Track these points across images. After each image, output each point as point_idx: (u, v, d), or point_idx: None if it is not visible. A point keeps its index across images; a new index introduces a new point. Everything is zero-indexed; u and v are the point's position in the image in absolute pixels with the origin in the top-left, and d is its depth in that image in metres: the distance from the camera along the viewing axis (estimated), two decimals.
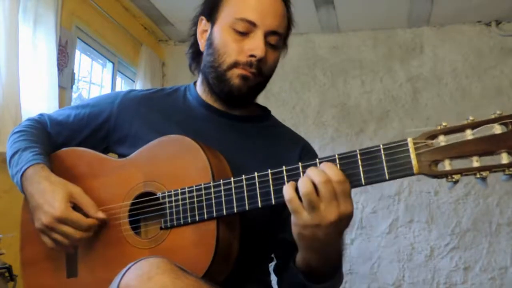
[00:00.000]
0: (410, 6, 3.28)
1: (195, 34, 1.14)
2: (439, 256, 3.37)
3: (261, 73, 1.04)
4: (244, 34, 1.02)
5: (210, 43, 1.07)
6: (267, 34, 1.02)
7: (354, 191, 0.80)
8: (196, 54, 1.15)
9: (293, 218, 0.80)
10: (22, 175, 1.00)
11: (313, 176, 0.77)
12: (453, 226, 3.38)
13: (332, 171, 0.77)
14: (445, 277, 3.33)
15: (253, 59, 1.01)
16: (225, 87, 1.04)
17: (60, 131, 1.15)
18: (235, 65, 1.02)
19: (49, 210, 0.94)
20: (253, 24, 1.01)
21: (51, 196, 0.95)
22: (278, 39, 1.05)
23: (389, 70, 3.64)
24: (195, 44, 1.14)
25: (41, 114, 1.19)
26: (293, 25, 1.13)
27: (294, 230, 0.81)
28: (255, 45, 1.00)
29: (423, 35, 3.62)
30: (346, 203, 0.78)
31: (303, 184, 0.77)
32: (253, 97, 1.11)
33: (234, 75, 1.03)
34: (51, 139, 1.13)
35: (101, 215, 0.97)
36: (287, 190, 0.79)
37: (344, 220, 0.79)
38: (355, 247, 3.48)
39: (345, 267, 2.93)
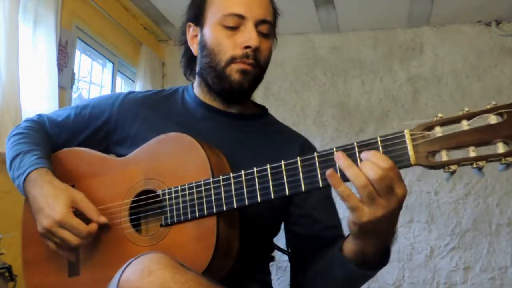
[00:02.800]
0: (410, 6, 3.28)
1: (185, 43, 1.15)
2: (439, 256, 3.37)
3: (258, 64, 1.05)
4: (234, 28, 1.03)
5: (203, 45, 1.08)
6: (257, 24, 1.03)
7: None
8: (189, 61, 1.16)
9: (352, 217, 0.76)
10: (25, 178, 1.00)
11: (366, 170, 0.73)
12: (453, 226, 3.38)
13: (381, 160, 0.74)
14: (445, 277, 3.33)
15: (248, 50, 1.02)
16: (226, 84, 1.05)
17: (60, 132, 1.15)
18: (232, 60, 1.03)
19: (50, 213, 0.94)
20: (241, 17, 1.03)
21: (53, 200, 0.95)
22: (268, 28, 1.06)
23: (389, 70, 3.64)
24: (187, 52, 1.16)
25: (39, 115, 1.19)
26: (279, 13, 1.14)
27: (354, 228, 0.77)
28: (248, 36, 1.02)
29: (423, 35, 3.62)
30: (401, 186, 0.74)
31: (358, 177, 0.73)
32: (253, 91, 1.11)
33: (233, 71, 1.03)
34: (51, 140, 1.13)
35: (103, 219, 0.98)
36: (342, 189, 0.74)
37: (400, 204, 0.75)
38: None
39: None
